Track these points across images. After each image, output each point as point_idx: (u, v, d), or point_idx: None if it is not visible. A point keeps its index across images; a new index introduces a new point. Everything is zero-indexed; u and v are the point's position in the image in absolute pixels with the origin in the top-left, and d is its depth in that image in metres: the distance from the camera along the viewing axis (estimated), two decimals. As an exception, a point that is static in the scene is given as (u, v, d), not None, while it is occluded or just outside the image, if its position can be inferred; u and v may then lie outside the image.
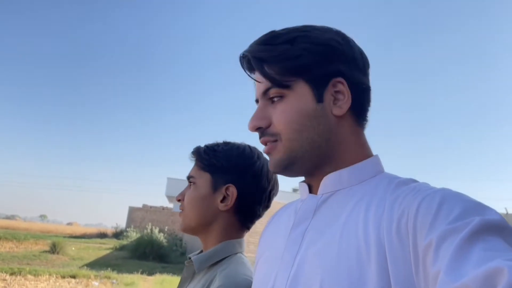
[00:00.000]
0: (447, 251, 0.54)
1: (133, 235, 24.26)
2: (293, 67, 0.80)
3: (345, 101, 0.81)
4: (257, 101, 0.88)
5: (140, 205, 33.02)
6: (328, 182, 0.82)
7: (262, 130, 0.84)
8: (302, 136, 0.80)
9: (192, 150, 1.24)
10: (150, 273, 12.90)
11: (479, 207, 0.61)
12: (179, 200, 1.20)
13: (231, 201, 1.14)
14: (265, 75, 0.82)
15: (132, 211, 32.18)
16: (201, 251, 1.18)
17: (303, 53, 0.80)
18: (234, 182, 1.15)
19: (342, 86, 0.81)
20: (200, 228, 1.15)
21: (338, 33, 0.85)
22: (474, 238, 0.54)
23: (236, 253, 1.10)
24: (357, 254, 0.68)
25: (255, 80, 0.86)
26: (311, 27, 0.85)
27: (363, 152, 0.84)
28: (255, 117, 0.84)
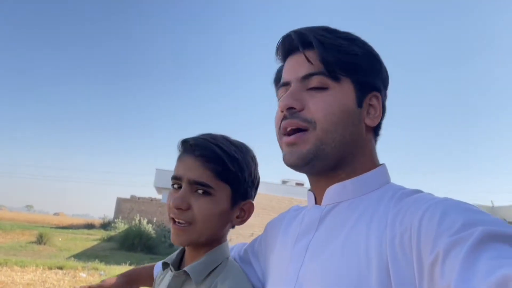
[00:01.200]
0: (455, 263, 0.54)
1: (121, 226, 24.18)
2: (348, 63, 0.80)
3: (377, 116, 0.84)
4: (285, 84, 0.85)
5: (128, 196, 32.92)
6: (332, 193, 0.82)
7: (293, 112, 0.80)
8: (337, 130, 0.79)
9: (194, 144, 1.00)
10: (138, 264, 12.79)
11: (481, 216, 0.60)
12: (180, 209, 0.97)
13: (247, 216, 1.06)
14: (323, 58, 0.79)
15: (120, 202, 32.03)
16: (180, 256, 1.09)
17: (360, 54, 0.81)
18: (252, 197, 1.08)
19: (377, 102, 0.84)
20: (207, 243, 1.02)
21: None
22: (479, 248, 0.54)
23: (227, 257, 1.04)
24: (358, 267, 0.68)
25: (307, 58, 0.81)
26: (356, 36, 0.86)
27: (372, 163, 0.85)
28: (291, 96, 0.81)
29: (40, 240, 16.86)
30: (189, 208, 0.97)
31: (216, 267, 1.00)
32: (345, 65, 0.80)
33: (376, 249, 0.67)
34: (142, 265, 1.36)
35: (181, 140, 1.04)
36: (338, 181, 0.82)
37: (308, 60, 0.80)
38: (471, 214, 0.60)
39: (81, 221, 40.24)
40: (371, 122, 0.83)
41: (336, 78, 0.79)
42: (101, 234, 22.86)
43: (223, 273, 0.98)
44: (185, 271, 1.00)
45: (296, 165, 0.82)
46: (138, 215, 22.11)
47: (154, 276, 1.25)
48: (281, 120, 0.82)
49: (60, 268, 10.36)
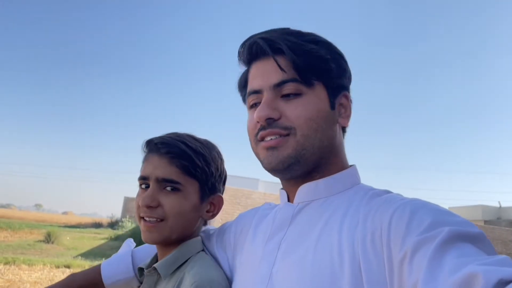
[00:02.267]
0: (422, 261, 0.56)
1: (129, 225, 24.29)
2: (320, 68, 0.81)
3: (347, 115, 0.87)
4: (257, 92, 0.83)
5: (135, 195, 32.92)
6: (304, 191, 0.83)
7: (271, 122, 0.80)
8: (316, 135, 0.80)
9: (159, 142, 1.01)
10: (145, 263, 12.89)
11: (448, 216, 0.62)
12: (150, 207, 0.97)
13: (217, 210, 1.07)
14: (296, 65, 0.79)
15: (127, 201, 32.19)
16: (155, 260, 1.07)
17: (330, 58, 0.82)
18: (220, 191, 1.09)
19: (346, 101, 0.86)
20: (178, 240, 1.01)
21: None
22: (446, 247, 0.56)
23: (198, 252, 1.03)
24: (331, 266, 0.69)
25: (279, 65, 0.79)
26: (320, 36, 0.85)
27: (343, 163, 0.87)
28: (267, 106, 0.80)
29: (48, 239, 16.99)
30: (158, 205, 0.98)
31: (186, 260, 1.00)
32: (317, 70, 0.80)
33: (348, 246, 0.69)
34: (85, 269, 1.20)
35: (145, 141, 1.05)
36: (311, 180, 0.83)
37: (281, 68, 0.79)
38: (439, 214, 0.62)
39: (89, 220, 40.45)
40: (344, 122, 0.85)
41: (309, 84, 0.80)
42: (109, 233, 23.00)
43: (192, 264, 0.97)
44: (155, 268, 1.00)
45: (276, 169, 0.81)
46: (145, 214, 22.13)
47: (103, 278, 1.13)
48: (258, 130, 0.82)
49: (67, 266, 10.43)
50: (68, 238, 18.83)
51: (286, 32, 0.82)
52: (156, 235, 0.98)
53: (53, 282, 1.17)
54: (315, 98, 0.80)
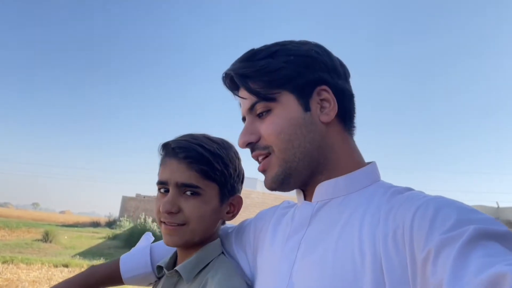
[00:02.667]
0: (447, 260, 0.54)
1: (126, 224, 24.27)
2: (276, 80, 0.82)
3: (331, 108, 0.83)
4: (243, 119, 0.89)
5: (133, 195, 32.99)
6: (323, 189, 0.83)
7: (253, 145, 0.85)
8: (293, 145, 0.81)
9: (176, 146, 0.99)
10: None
11: (473, 214, 0.61)
12: (171, 213, 0.97)
13: (237, 210, 1.07)
14: (250, 90, 0.83)
15: (125, 200, 32.13)
16: (174, 258, 1.08)
17: (284, 65, 0.82)
18: (239, 191, 1.09)
19: (327, 94, 0.83)
20: (200, 243, 1.02)
21: (317, 45, 0.88)
22: (472, 246, 0.54)
23: (219, 255, 1.03)
24: (352, 264, 0.69)
25: (240, 97, 0.87)
26: (290, 41, 0.88)
27: (356, 160, 0.85)
28: (245, 132, 0.85)
29: (46, 238, 16.94)
30: (179, 211, 0.97)
31: (208, 264, 1.00)
32: (274, 82, 0.81)
33: (369, 245, 0.68)
34: (105, 263, 1.20)
35: (161, 144, 1.04)
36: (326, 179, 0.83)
37: (242, 98, 0.86)
38: (464, 212, 0.61)
39: (87, 219, 40.39)
40: (326, 118, 0.82)
41: (272, 99, 0.82)
42: (107, 232, 22.95)
43: (214, 269, 0.97)
44: (176, 271, 1.00)
45: (274, 188, 0.84)
46: (143, 213, 22.18)
47: (122, 272, 1.14)
48: (251, 153, 0.87)
49: (66, 266, 10.41)
50: (66, 237, 18.79)
51: (241, 59, 0.86)
52: (177, 238, 0.98)
53: (52, 281, 1.18)
54: (283, 110, 0.82)
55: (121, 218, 28.11)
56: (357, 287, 0.66)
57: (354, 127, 0.87)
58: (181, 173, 0.97)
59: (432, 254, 0.57)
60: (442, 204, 0.63)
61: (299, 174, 0.82)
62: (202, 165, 0.97)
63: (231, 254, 1.06)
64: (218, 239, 1.07)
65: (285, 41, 0.87)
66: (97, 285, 1.14)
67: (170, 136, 1.08)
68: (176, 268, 1.00)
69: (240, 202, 1.08)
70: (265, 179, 0.85)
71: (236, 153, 1.08)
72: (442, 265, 0.55)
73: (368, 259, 0.67)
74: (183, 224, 0.98)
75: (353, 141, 0.87)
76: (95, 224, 31.51)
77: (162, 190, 1.01)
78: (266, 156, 0.83)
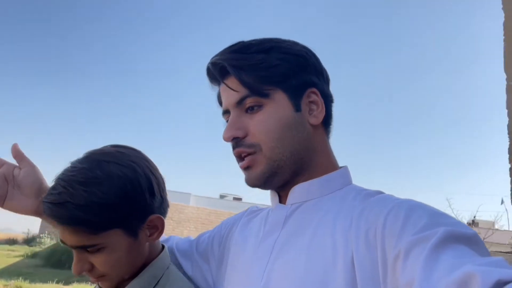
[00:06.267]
0: (417, 260, 0.57)
1: (48, 241, 22.69)
2: (271, 76, 0.81)
3: (319, 111, 0.84)
4: (226, 112, 0.86)
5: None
6: (297, 192, 0.84)
7: (238, 141, 0.82)
8: (283, 144, 0.80)
9: (52, 212, 0.84)
10: (67, 282, 12.15)
11: (443, 217, 0.64)
12: (87, 272, 0.89)
13: (161, 227, 0.95)
14: (243, 83, 0.80)
15: (47, 215, 30.11)
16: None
17: (280, 62, 0.82)
18: (154, 209, 0.93)
19: (316, 97, 0.84)
20: (134, 274, 0.93)
21: (305, 47, 0.88)
22: (442, 247, 0.57)
23: (168, 267, 0.97)
24: (324, 265, 0.70)
25: (230, 88, 0.82)
26: (281, 39, 0.88)
27: (332, 163, 0.87)
28: (231, 126, 0.82)
29: (-46, 257, 15.38)
30: (93, 267, 0.89)
31: (158, 281, 0.94)
32: (269, 79, 0.81)
33: (342, 244, 0.70)
34: None
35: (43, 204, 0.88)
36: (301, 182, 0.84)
37: (232, 89, 0.82)
38: (434, 215, 0.64)
39: (2, 236, 37.26)
40: (315, 120, 0.83)
41: (265, 95, 0.81)
42: (25, 250, 21.31)
43: (168, 284, 0.93)
44: None
45: (256, 185, 0.83)
46: (67, 229, 20.87)
47: None
48: (232, 147, 0.84)
49: (-21, 287, 9.51)
50: (-23, 255, 17.20)
51: (233, 50, 0.83)
52: (107, 284, 0.93)
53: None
54: (274, 108, 0.81)
55: (41, 235, 26.24)
56: (330, 284, 0.68)
57: (331, 131, 0.89)
58: (71, 238, 0.86)
59: (402, 253, 0.59)
60: (414, 206, 0.66)
61: (284, 173, 0.81)
62: (86, 227, 0.83)
63: (194, 267, 1.03)
64: (164, 250, 1.00)
65: (277, 39, 0.86)
66: None
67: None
68: None
69: (158, 220, 0.94)
70: (248, 176, 0.83)
71: (145, 172, 0.91)
72: (412, 264, 0.57)
73: (340, 259, 0.68)
74: (103, 276, 0.90)
75: (330, 145, 0.89)
76: (12, 242, 29.18)
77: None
78: (250, 154, 0.81)
